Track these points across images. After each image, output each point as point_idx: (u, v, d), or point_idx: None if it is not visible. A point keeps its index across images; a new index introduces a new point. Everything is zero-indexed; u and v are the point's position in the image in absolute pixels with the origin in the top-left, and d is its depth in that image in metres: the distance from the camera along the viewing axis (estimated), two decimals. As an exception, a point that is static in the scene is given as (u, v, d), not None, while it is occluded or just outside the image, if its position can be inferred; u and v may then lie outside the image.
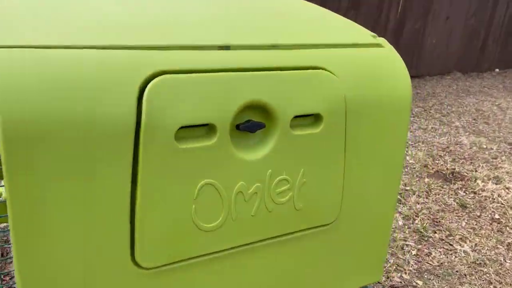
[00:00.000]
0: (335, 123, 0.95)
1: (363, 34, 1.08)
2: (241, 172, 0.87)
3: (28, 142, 0.68)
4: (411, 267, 2.03)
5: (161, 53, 0.79)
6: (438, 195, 2.70)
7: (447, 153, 3.34)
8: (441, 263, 2.08)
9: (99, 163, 0.73)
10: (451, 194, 2.72)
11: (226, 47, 0.87)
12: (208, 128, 0.83)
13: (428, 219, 2.42)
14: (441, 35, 5.74)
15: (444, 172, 3.01)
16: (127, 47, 0.77)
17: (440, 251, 2.17)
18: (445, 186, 2.81)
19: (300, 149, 0.92)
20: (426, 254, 2.14)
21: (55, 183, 0.71)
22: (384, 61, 1.04)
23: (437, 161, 3.16)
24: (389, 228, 1.13)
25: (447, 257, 2.12)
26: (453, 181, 2.89)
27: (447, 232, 2.32)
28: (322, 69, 0.94)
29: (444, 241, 2.25)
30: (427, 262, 2.08)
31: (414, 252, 2.13)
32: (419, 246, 2.19)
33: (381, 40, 1.08)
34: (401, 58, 1.08)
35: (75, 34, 0.77)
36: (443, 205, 2.59)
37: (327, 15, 1.16)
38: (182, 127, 0.79)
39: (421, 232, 2.30)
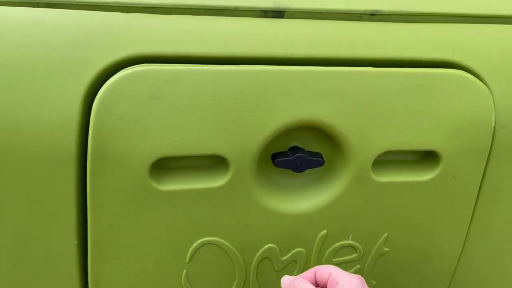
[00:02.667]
0: (464, 166, 0.52)
1: None
2: (271, 229, 0.52)
3: None
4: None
5: (134, 20, 0.44)
6: None
7: None
8: None
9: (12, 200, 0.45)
10: None
11: (277, 13, 0.47)
12: (216, 161, 0.48)
13: None
14: None
15: None
16: (66, 4, 0.43)
17: None
18: None
19: (387, 203, 0.53)
20: None
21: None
22: None
23: None
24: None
25: None
26: None
27: None
28: (459, 67, 0.50)
29: None
30: None
31: None
32: None
33: None
34: None
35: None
36: None
37: None
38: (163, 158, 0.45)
39: None
